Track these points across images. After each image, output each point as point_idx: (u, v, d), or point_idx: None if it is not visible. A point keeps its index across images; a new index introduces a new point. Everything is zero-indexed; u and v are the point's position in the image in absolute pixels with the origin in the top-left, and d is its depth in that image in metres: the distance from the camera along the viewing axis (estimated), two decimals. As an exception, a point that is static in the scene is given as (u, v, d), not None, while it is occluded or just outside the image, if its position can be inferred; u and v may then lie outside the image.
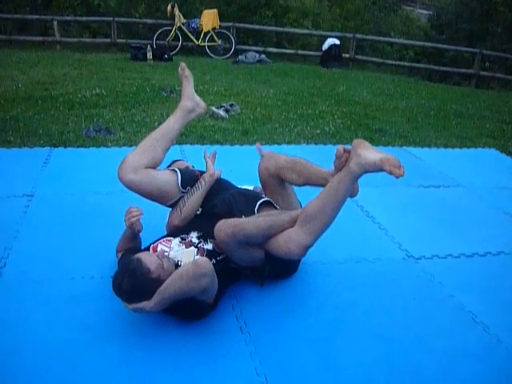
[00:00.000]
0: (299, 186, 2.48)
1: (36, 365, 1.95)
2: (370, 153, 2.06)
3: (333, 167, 2.25)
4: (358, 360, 2.10)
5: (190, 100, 2.63)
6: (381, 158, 2.00)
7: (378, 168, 2.02)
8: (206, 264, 2.02)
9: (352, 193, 2.32)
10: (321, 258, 2.75)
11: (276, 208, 2.53)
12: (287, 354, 2.10)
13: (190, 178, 2.58)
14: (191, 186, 2.56)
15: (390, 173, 1.97)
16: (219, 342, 2.13)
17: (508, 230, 3.38)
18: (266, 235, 2.26)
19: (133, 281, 2.03)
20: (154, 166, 2.49)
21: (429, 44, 12.93)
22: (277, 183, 2.52)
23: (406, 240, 3.10)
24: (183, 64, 2.67)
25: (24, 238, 2.83)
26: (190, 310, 2.16)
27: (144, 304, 2.01)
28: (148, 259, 2.10)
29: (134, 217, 2.34)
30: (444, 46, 12.73)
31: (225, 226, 2.23)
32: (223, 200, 2.52)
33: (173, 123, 2.58)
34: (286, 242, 2.21)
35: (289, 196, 2.57)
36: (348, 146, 2.17)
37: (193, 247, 2.33)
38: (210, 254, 2.30)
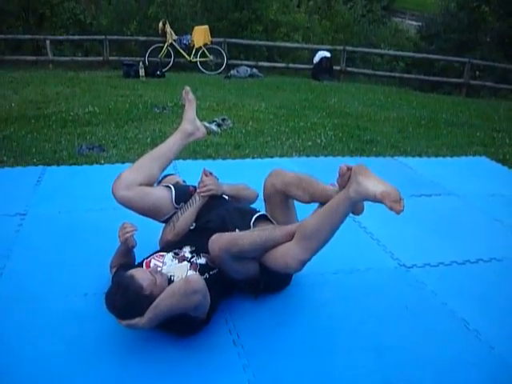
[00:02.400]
0: (305, 202, 2.43)
1: (29, 380, 1.95)
2: (371, 183, 2.02)
3: (336, 184, 2.26)
4: (352, 371, 2.11)
5: (191, 124, 2.68)
6: (381, 192, 1.97)
7: (377, 201, 2.00)
8: (198, 281, 2.03)
9: (357, 211, 2.34)
10: (313, 269, 2.74)
11: (272, 223, 2.55)
12: (280, 366, 2.10)
13: (183, 194, 2.60)
14: (185, 202, 2.58)
15: (391, 208, 1.95)
16: (212, 355, 2.13)
17: (499, 237, 3.41)
18: (260, 249, 2.28)
19: (125, 298, 2.04)
20: (149, 184, 2.51)
21: (419, 55, 13.10)
22: (280, 199, 2.53)
23: (398, 249, 3.12)
24: (187, 88, 2.73)
25: (17, 257, 2.83)
26: (182, 326, 2.16)
27: (137, 320, 2.02)
28: (140, 276, 2.11)
29: (127, 232, 2.36)
30: (434, 57, 12.90)
31: (219, 240, 2.24)
32: (217, 215, 2.54)
33: (172, 144, 2.63)
34: (283, 256, 2.23)
35: (289, 212, 2.58)
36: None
37: (186, 262, 2.34)
38: (202, 269, 2.31)
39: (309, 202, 2.42)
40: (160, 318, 2.04)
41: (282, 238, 2.28)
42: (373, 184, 2.02)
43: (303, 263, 2.23)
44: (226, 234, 2.31)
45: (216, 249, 2.23)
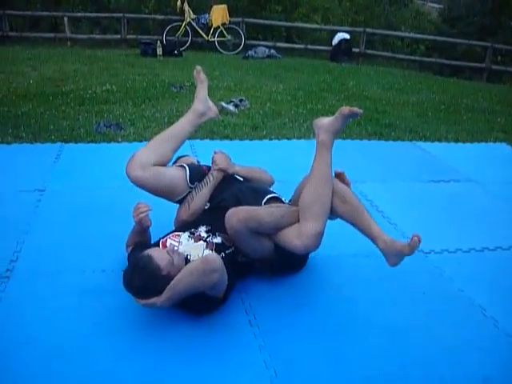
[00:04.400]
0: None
1: (48, 356, 1.98)
2: (328, 118, 2.36)
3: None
4: (368, 354, 2.11)
5: (203, 104, 2.66)
6: (336, 113, 2.29)
7: (340, 120, 2.28)
8: (216, 260, 2.03)
9: (392, 262, 2.29)
10: (330, 252, 2.75)
11: (284, 202, 2.54)
12: (296, 347, 2.11)
13: (197, 174, 2.60)
14: (199, 182, 2.57)
15: (352, 112, 2.25)
16: (228, 336, 2.15)
17: (519, 225, 3.36)
18: (278, 224, 2.27)
19: (143, 278, 2.05)
20: (163, 164, 2.51)
21: (440, 38, 12.81)
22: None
23: (416, 235, 3.09)
24: (199, 67, 2.71)
25: (36, 233, 2.86)
26: (199, 305, 2.17)
27: (154, 299, 2.03)
28: (158, 256, 2.11)
29: (142, 213, 2.36)
30: (455, 40, 12.61)
31: (237, 212, 2.24)
32: (231, 194, 2.53)
33: (184, 124, 2.62)
34: (299, 237, 2.22)
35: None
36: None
37: (202, 241, 2.35)
38: (218, 248, 2.32)
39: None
40: (178, 297, 2.06)
41: (298, 216, 2.28)
42: (328, 118, 2.36)
43: (319, 235, 2.22)
44: (244, 207, 2.30)
45: (234, 221, 2.22)
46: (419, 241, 2.09)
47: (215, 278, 2.01)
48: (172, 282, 2.02)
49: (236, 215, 2.23)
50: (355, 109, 2.26)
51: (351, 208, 2.31)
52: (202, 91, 2.68)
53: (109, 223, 2.98)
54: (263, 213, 2.27)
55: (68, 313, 2.23)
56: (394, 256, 2.21)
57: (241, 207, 2.29)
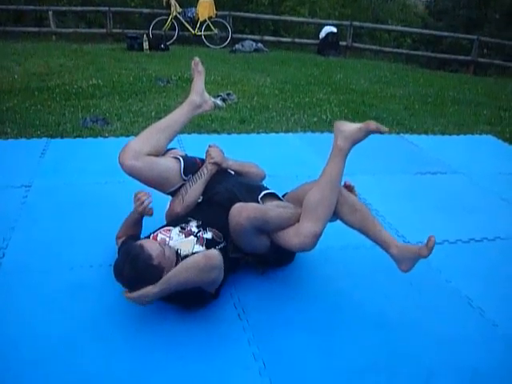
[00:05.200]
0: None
1: (37, 354, 1.96)
2: (349, 125, 2.29)
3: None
4: (356, 346, 2.12)
5: (199, 96, 2.64)
6: (363, 124, 2.24)
7: (363, 132, 2.23)
8: (217, 257, 2.03)
9: (405, 266, 2.27)
10: (319, 245, 2.73)
11: (281, 199, 2.53)
12: (285, 340, 2.12)
13: (192, 166, 2.58)
14: (192, 174, 2.56)
15: (378, 130, 2.19)
16: (218, 329, 2.15)
17: (505, 216, 3.40)
18: (282, 225, 2.27)
19: (135, 266, 2.03)
20: (156, 155, 2.48)
21: (426, 31, 12.90)
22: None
23: (403, 226, 3.12)
24: (197, 58, 2.68)
25: (22, 229, 2.83)
26: (191, 300, 2.17)
27: (148, 289, 2.01)
28: (150, 246, 2.10)
29: (144, 201, 2.35)
30: (442, 33, 12.70)
31: (247, 209, 2.20)
32: (225, 188, 2.51)
33: (179, 116, 2.59)
34: (297, 235, 2.21)
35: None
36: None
37: (192, 236, 2.34)
38: (209, 243, 2.30)
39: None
40: (173, 290, 2.05)
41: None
42: (351, 125, 2.29)
43: (317, 236, 2.22)
44: (251, 204, 2.28)
45: (243, 217, 2.17)
46: (434, 241, 2.11)
47: (214, 275, 2.02)
48: (168, 275, 2.01)
49: (245, 213, 2.18)
50: (382, 127, 2.20)
51: (361, 217, 2.32)
52: (199, 83, 2.65)
53: (96, 218, 2.96)
54: (272, 213, 2.25)
55: (56, 309, 2.21)
56: (409, 260, 2.21)
57: (247, 204, 2.26)
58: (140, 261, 2.03)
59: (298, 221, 2.27)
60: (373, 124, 2.20)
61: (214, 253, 2.07)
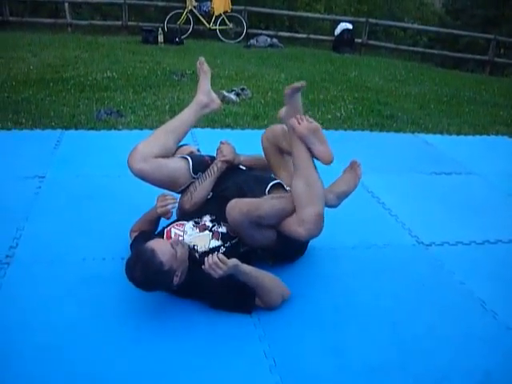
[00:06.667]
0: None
1: (47, 343, 1.98)
2: (283, 109, 2.53)
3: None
4: (367, 345, 2.11)
5: (206, 95, 2.64)
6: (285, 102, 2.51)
7: (288, 99, 2.45)
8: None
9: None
10: (330, 243, 2.75)
11: (286, 190, 2.53)
12: (296, 337, 2.11)
13: (200, 164, 2.58)
14: (202, 172, 2.56)
15: (292, 90, 2.43)
16: (229, 326, 2.14)
17: (520, 219, 3.36)
18: (279, 216, 2.27)
19: (145, 273, 2.04)
20: (165, 156, 2.49)
21: (443, 30, 12.74)
22: (274, 152, 2.65)
23: (417, 226, 3.09)
24: (202, 58, 2.69)
25: (36, 219, 2.85)
26: (235, 307, 2.22)
27: (233, 261, 2.05)
28: (161, 250, 2.07)
29: (169, 204, 2.39)
30: (458, 32, 12.54)
31: (239, 205, 2.23)
32: (234, 183, 2.52)
33: (187, 116, 2.60)
34: (300, 224, 2.20)
35: (287, 164, 2.62)
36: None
37: (207, 231, 2.34)
38: (224, 238, 2.32)
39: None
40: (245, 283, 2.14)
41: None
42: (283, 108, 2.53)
43: (320, 218, 2.20)
44: (245, 199, 2.30)
45: (235, 213, 2.21)
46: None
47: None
48: (256, 274, 2.16)
49: (237, 208, 2.21)
50: (294, 85, 2.43)
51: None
52: (205, 82, 2.65)
53: (109, 211, 2.97)
54: (265, 206, 2.25)
55: (68, 300, 2.22)
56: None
57: (241, 199, 2.27)
58: (150, 268, 2.03)
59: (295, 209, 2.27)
60: (287, 89, 2.47)
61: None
